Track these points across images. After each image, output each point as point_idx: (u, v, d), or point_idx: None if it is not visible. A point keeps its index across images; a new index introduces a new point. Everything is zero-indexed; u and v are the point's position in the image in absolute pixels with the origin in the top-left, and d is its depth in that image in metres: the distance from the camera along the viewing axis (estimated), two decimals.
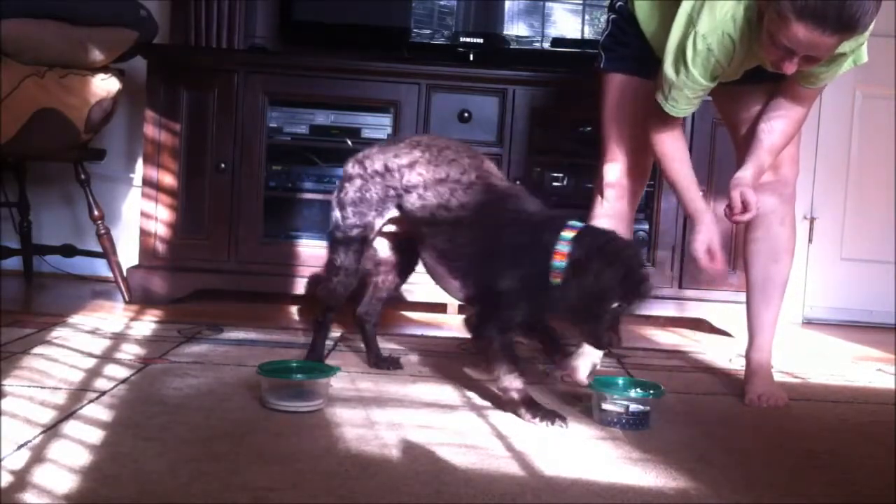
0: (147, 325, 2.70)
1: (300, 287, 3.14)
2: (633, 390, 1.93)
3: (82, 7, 2.90)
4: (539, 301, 1.88)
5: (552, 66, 3.28)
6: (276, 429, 1.70)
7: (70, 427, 1.64)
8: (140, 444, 1.57)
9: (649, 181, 2.44)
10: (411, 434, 1.72)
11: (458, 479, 1.48)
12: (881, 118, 3.63)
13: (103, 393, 1.89)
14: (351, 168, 2.16)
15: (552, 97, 3.19)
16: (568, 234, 1.85)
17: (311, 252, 3.09)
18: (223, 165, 3.13)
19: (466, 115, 3.16)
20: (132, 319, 2.79)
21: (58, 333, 2.46)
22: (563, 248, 1.84)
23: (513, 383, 1.88)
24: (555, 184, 3.22)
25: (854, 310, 3.66)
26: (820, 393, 2.30)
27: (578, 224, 1.88)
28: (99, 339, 2.44)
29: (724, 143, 2.28)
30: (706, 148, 3.08)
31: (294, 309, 3.18)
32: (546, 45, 3.43)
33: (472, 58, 3.36)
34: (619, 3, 2.24)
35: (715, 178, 3.07)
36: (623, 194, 2.31)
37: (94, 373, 2.06)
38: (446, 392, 2.08)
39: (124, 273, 3.15)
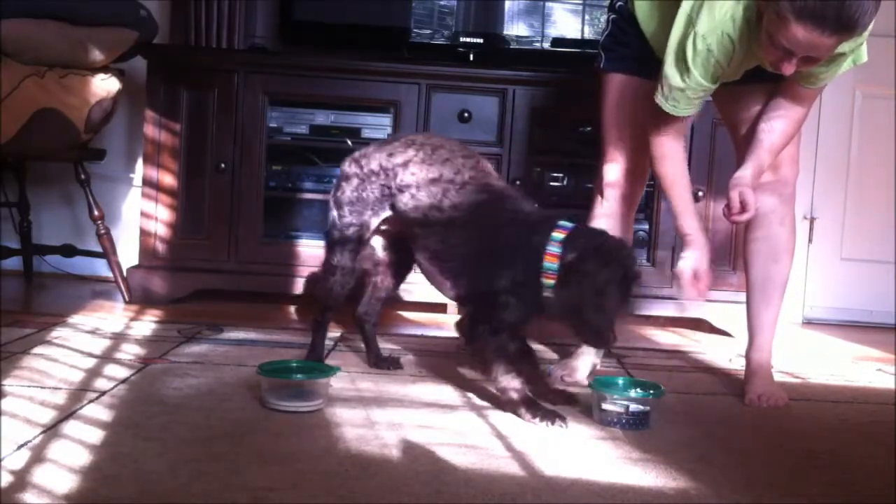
0: (147, 325, 2.70)
1: (300, 287, 3.14)
2: (633, 390, 1.93)
3: (82, 7, 2.90)
4: (530, 302, 1.88)
5: (552, 66, 3.28)
6: (276, 429, 1.70)
7: (70, 427, 1.64)
8: (140, 444, 1.57)
9: (649, 181, 2.44)
10: (411, 434, 1.72)
11: (458, 479, 1.48)
12: (881, 118, 3.63)
13: (103, 393, 1.89)
14: (347, 167, 2.16)
15: (552, 97, 3.19)
16: (558, 234, 1.85)
17: (311, 252, 3.09)
18: (223, 165, 3.13)
19: (466, 115, 3.16)
20: (132, 319, 2.79)
21: (58, 333, 2.46)
22: (553, 249, 1.84)
23: (511, 383, 1.88)
24: (555, 184, 3.22)
25: (854, 310, 3.66)
26: (820, 393, 2.30)
27: (568, 224, 1.88)
28: (99, 339, 2.44)
29: (724, 143, 2.28)
30: (706, 148, 3.08)
31: (292, 309, 3.18)
32: (546, 45, 3.43)
33: (472, 58, 3.36)
34: (619, 3, 2.24)
35: (715, 178, 3.07)
36: (623, 194, 2.31)
37: (94, 373, 2.06)
38: (446, 392, 2.08)
39: (124, 273, 3.15)
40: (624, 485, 1.50)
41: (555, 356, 2.49)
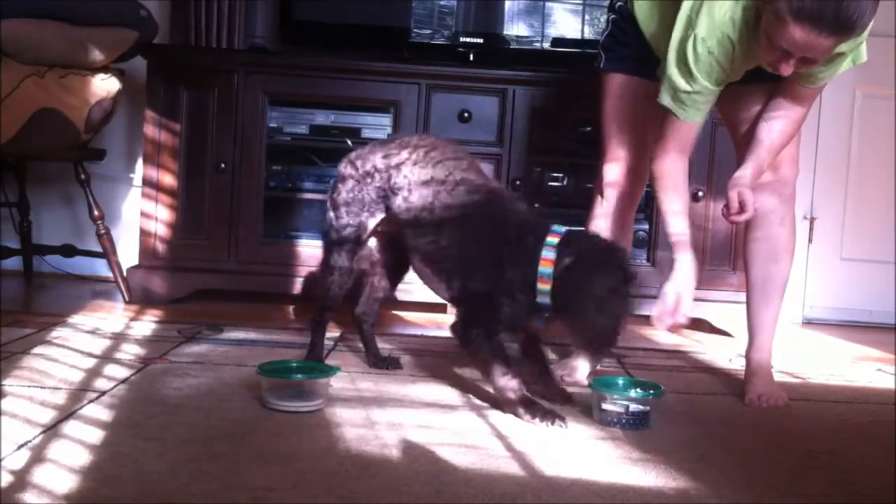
0: (147, 325, 2.70)
1: (300, 287, 3.14)
2: (633, 390, 1.93)
3: (82, 7, 2.90)
4: (524, 305, 1.88)
5: (552, 66, 3.28)
6: (276, 429, 1.70)
7: (70, 427, 1.64)
8: (140, 444, 1.57)
9: (649, 181, 2.44)
10: (411, 434, 1.72)
11: (458, 479, 1.48)
12: (881, 118, 3.63)
13: (103, 393, 1.89)
14: (344, 168, 2.16)
15: (552, 97, 3.19)
16: (552, 239, 1.86)
17: (311, 252, 3.09)
18: (223, 165, 3.13)
19: (466, 115, 3.16)
20: (132, 319, 2.79)
21: (58, 333, 2.46)
22: (548, 254, 1.84)
23: (508, 383, 1.88)
24: (555, 184, 3.22)
25: (854, 310, 3.66)
26: (820, 393, 2.30)
27: (562, 229, 1.88)
28: (99, 339, 2.44)
29: (724, 143, 2.29)
30: (706, 148, 3.08)
31: (291, 309, 3.18)
32: (546, 45, 3.43)
33: (472, 58, 3.36)
34: (619, 4, 2.24)
35: (715, 178, 3.08)
36: (623, 194, 2.31)
37: (94, 373, 2.06)
38: (446, 392, 2.08)
39: (124, 273, 3.15)
40: (624, 485, 1.50)
41: (554, 356, 2.49)
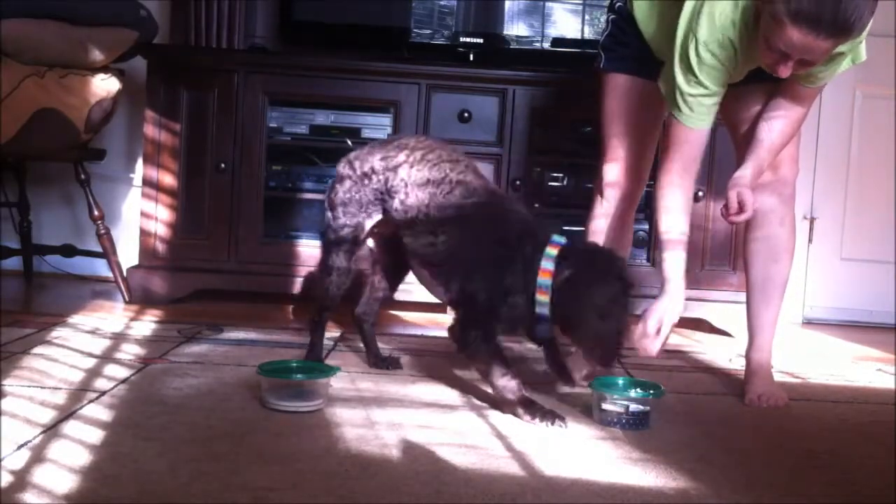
0: (147, 325, 2.70)
1: (300, 287, 3.14)
2: (633, 390, 1.93)
3: (82, 7, 2.90)
4: (522, 311, 1.87)
5: (552, 66, 3.28)
6: (276, 429, 1.70)
7: (70, 427, 1.64)
8: (140, 444, 1.57)
9: (649, 181, 2.44)
10: (411, 434, 1.72)
11: (458, 479, 1.48)
12: (881, 118, 3.63)
13: (103, 393, 1.89)
14: (342, 169, 2.16)
15: (552, 97, 3.19)
16: (552, 250, 1.85)
17: (311, 252, 3.09)
18: (223, 165, 3.13)
19: (466, 115, 3.16)
20: (132, 319, 2.79)
21: (58, 333, 2.46)
22: (547, 265, 1.84)
23: (507, 384, 1.88)
24: (555, 184, 3.22)
25: (854, 310, 3.66)
26: (820, 393, 2.30)
27: (561, 240, 1.88)
28: (99, 339, 2.44)
29: (724, 143, 2.28)
30: (706, 148, 3.08)
31: (290, 308, 3.18)
32: (546, 45, 3.43)
33: (472, 58, 3.36)
34: (619, 4, 2.24)
35: (715, 178, 3.07)
36: (623, 194, 2.31)
37: (94, 373, 2.06)
38: (446, 392, 2.08)
39: (124, 273, 3.15)
40: (624, 485, 1.50)
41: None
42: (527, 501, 1.40)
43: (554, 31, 3.45)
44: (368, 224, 2.13)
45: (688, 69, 1.92)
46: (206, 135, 3.13)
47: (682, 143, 2.01)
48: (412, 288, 2.65)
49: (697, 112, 1.97)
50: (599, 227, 2.35)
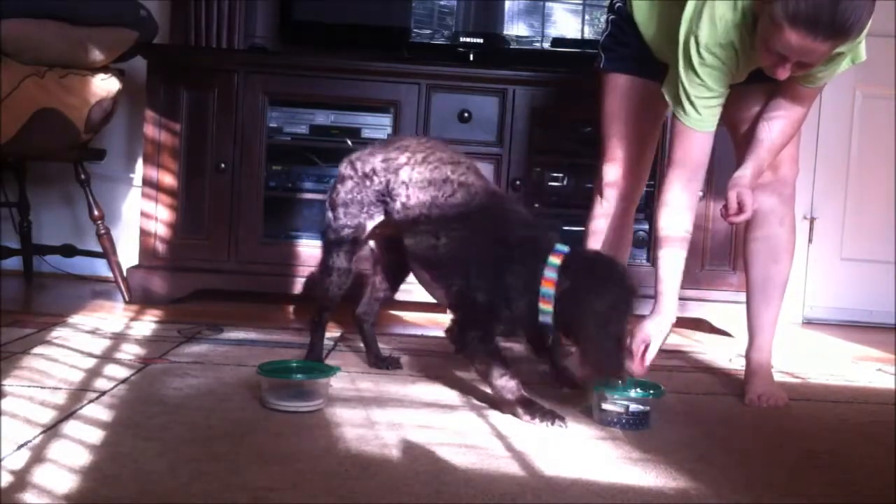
0: (147, 325, 2.70)
1: (300, 287, 3.14)
2: (633, 390, 1.93)
3: (82, 7, 2.90)
4: (521, 315, 1.87)
5: (552, 66, 3.28)
6: (276, 429, 1.70)
7: (70, 427, 1.64)
8: (140, 444, 1.57)
9: (649, 181, 2.44)
10: (411, 434, 1.72)
11: (458, 479, 1.48)
12: (881, 118, 3.63)
13: (103, 393, 1.89)
14: (344, 169, 2.16)
15: (552, 97, 3.19)
16: (555, 260, 1.84)
17: (311, 252, 3.09)
18: (223, 165, 3.13)
19: (466, 115, 3.16)
20: (132, 319, 2.79)
21: (58, 333, 2.46)
22: (550, 274, 1.83)
23: (507, 384, 1.88)
24: (555, 184, 3.22)
25: (854, 310, 3.66)
26: (820, 393, 2.30)
27: (564, 248, 1.87)
28: (99, 339, 2.44)
29: (724, 143, 2.28)
30: None
31: (291, 309, 3.18)
32: (546, 45, 3.43)
33: (472, 58, 3.36)
34: (619, 4, 2.24)
35: (715, 178, 3.07)
36: (623, 194, 2.31)
37: (94, 373, 2.06)
38: (446, 392, 2.08)
39: (124, 273, 3.15)
40: (624, 485, 1.50)
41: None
42: (527, 501, 1.40)
43: (554, 31, 3.45)
44: (369, 225, 2.13)
45: (691, 71, 1.92)
46: (206, 135, 3.13)
47: (688, 147, 2.00)
48: (412, 288, 2.65)
49: (704, 114, 1.97)
50: (599, 227, 2.35)
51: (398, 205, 2.04)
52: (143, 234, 3.15)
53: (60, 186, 3.63)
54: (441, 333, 1.98)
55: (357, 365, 2.30)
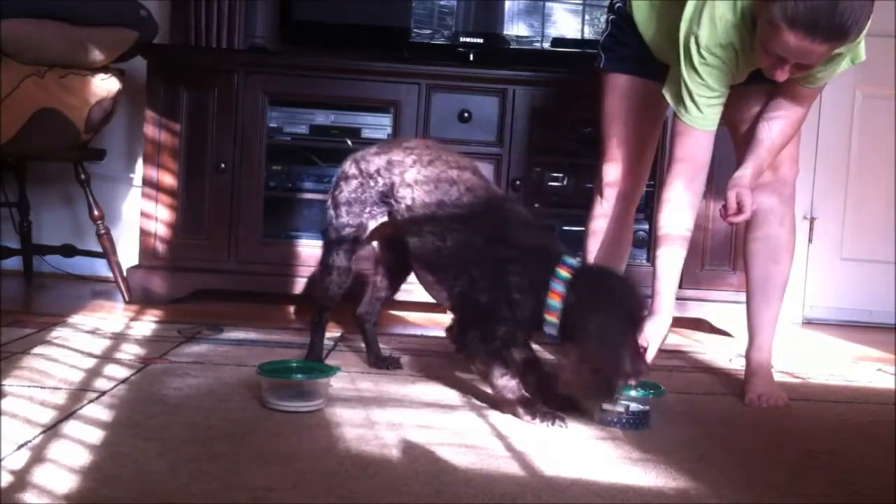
0: (147, 325, 2.70)
1: (300, 287, 3.14)
2: (633, 390, 1.93)
3: (82, 7, 2.90)
4: (525, 317, 1.87)
5: (552, 66, 3.28)
6: (276, 429, 1.70)
7: (70, 427, 1.64)
8: (140, 444, 1.57)
9: (649, 181, 2.44)
10: (411, 434, 1.72)
11: (458, 479, 1.48)
12: (881, 118, 3.63)
13: (103, 393, 1.89)
14: (348, 168, 2.15)
15: (552, 97, 3.19)
16: (564, 273, 1.82)
17: (311, 252, 3.09)
18: (223, 165, 3.13)
19: (466, 115, 3.16)
20: (132, 319, 2.79)
21: (58, 333, 2.46)
22: (558, 287, 1.82)
23: (507, 383, 1.88)
24: (555, 184, 3.22)
25: (854, 310, 3.66)
26: (820, 393, 2.30)
27: (573, 262, 1.85)
28: (99, 339, 2.44)
29: (724, 142, 2.28)
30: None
31: (292, 309, 3.18)
32: (546, 45, 3.43)
33: (472, 58, 3.36)
34: (619, 4, 2.24)
35: (715, 178, 3.06)
36: (623, 194, 2.31)
37: (94, 373, 2.06)
38: (446, 392, 2.08)
39: (124, 273, 3.15)
40: (624, 485, 1.50)
41: (552, 357, 2.49)
42: (527, 501, 1.40)
43: (554, 31, 3.45)
44: (371, 225, 2.12)
45: (693, 70, 1.92)
46: (206, 135, 3.13)
47: (690, 146, 2.00)
48: (413, 288, 2.65)
49: (706, 113, 1.97)
50: (599, 227, 2.35)
51: (403, 206, 2.04)
52: (143, 234, 3.15)
53: (60, 186, 3.63)
54: (441, 333, 1.98)
55: (357, 365, 2.30)
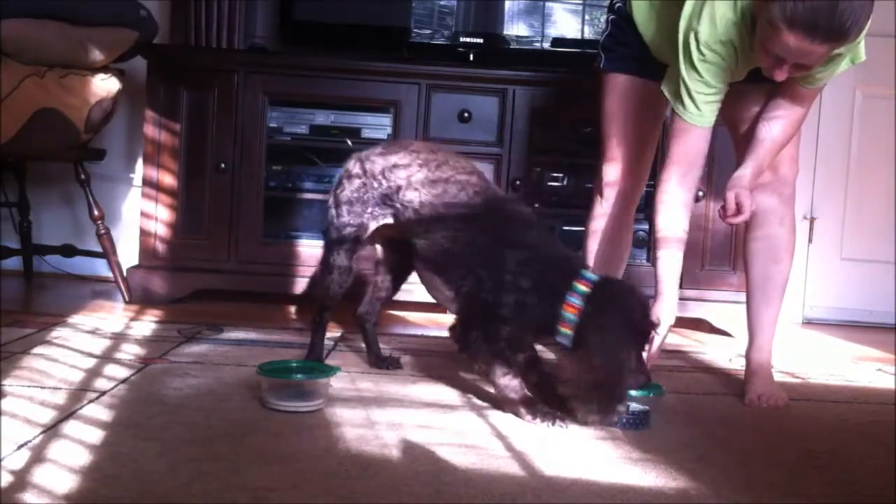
0: (147, 325, 2.70)
1: (300, 287, 3.14)
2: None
3: (82, 7, 2.90)
4: (530, 319, 1.87)
5: (552, 66, 3.28)
6: (276, 429, 1.70)
7: (70, 427, 1.64)
8: (140, 444, 1.57)
9: (649, 181, 2.44)
10: (411, 434, 1.72)
11: (458, 479, 1.48)
12: (881, 118, 3.63)
13: (103, 393, 1.89)
14: (351, 166, 2.15)
15: (552, 97, 3.19)
16: (582, 286, 1.83)
17: (311, 252, 3.09)
18: (223, 165, 3.13)
19: (466, 115, 3.16)
20: (132, 319, 2.79)
21: (58, 333, 2.46)
22: (575, 301, 1.82)
23: (509, 383, 1.88)
24: (555, 184, 3.22)
25: (854, 310, 3.66)
26: (820, 393, 2.30)
27: (592, 276, 1.86)
28: (99, 339, 2.44)
29: (724, 142, 2.28)
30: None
31: (292, 309, 3.19)
32: (546, 45, 3.43)
33: (472, 58, 3.36)
34: (618, 4, 2.24)
35: (715, 178, 3.08)
36: (623, 194, 2.31)
37: (94, 373, 2.06)
38: (446, 392, 2.08)
39: (124, 273, 3.15)
40: (624, 485, 1.50)
41: (552, 356, 2.49)
42: (527, 501, 1.40)
43: (554, 31, 3.45)
44: (373, 225, 2.12)
45: (691, 67, 1.93)
46: (206, 135, 3.13)
47: (687, 144, 2.00)
48: (413, 288, 2.66)
49: (704, 110, 1.97)
50: (599, 227, 2.35)
51: (410, 209, 2.03)
52: (143, 234, 3.15)
53: (60, 186, 3.63)
54: (442, 333, 1.99)
55: (357, 365, 2.30)
